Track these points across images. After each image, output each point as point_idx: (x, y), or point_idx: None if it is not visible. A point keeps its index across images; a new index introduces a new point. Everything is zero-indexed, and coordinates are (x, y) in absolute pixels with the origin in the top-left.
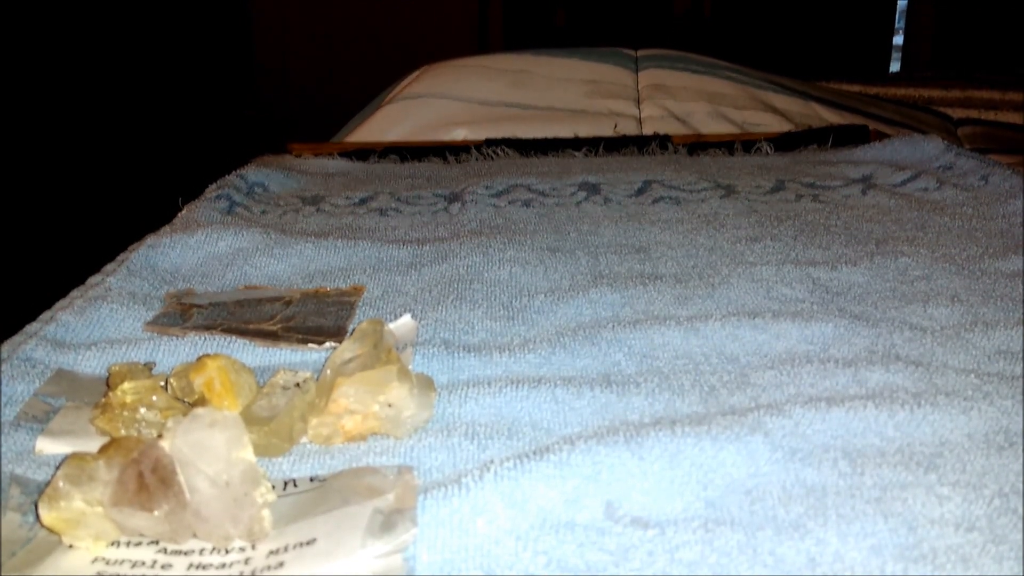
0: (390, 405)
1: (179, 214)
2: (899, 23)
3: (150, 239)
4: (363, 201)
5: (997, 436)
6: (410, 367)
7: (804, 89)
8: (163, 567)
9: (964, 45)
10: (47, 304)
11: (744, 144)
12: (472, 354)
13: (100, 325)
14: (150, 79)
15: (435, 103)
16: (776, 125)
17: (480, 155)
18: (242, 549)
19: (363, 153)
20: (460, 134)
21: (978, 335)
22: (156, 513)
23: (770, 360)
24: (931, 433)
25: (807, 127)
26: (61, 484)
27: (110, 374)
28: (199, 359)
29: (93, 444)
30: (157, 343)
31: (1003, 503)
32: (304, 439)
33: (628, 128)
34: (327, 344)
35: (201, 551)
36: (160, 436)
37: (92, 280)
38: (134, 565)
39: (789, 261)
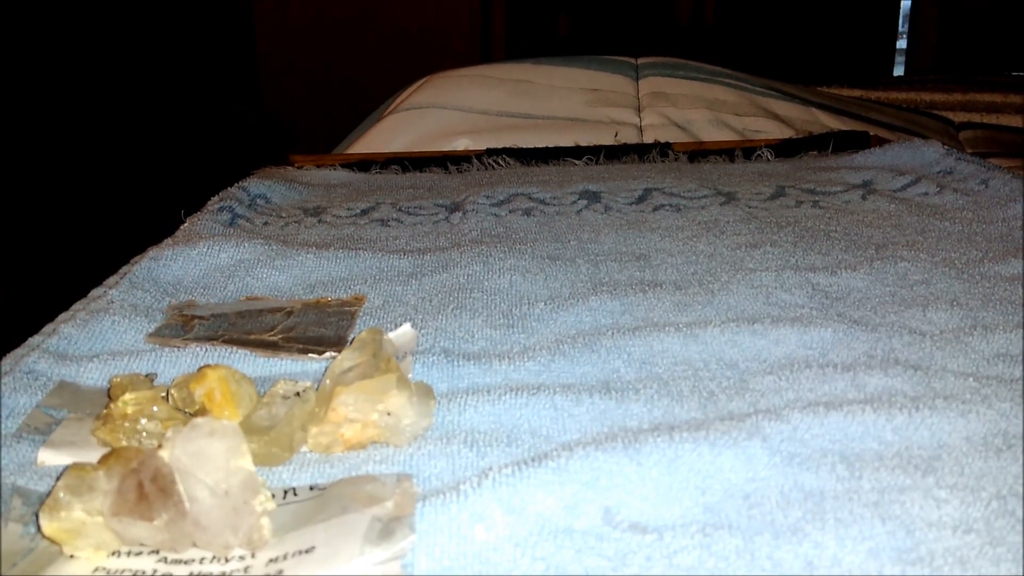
0: (389, 413)
1: (181, 226)
2: (902, 27)
3: (152, 251)
4: (365, 212)
5: (995, 439)
6: (409, 376)
7: (805, 95)
8: None
9: (968, 48)
10: (50, 316)
11: (745, 151)
12: (472, 362)
13: (102, 337)
14: (153, 93)
15: (437, 113)
16: (777, 132)
17: (481, 165)
18: (242, 558)
19: (365, 164)
20: (462, 144)
21: (977, 339)
22: (156, 522)
23: (769, 366)
24: (929, 437)
25: (808, 133)
26: (61, 494)
27: (112, 386)
28: (200, 370)
29: (95, 455)
30: (159, 354)
31: (1001, 506)
32: (304, 448)
33: (629, 136)
34: (327, 354)
35: (201, 560)
36: (160, 446)
37: (95, 292)
38: (135, 574)
39: (789, 267)
